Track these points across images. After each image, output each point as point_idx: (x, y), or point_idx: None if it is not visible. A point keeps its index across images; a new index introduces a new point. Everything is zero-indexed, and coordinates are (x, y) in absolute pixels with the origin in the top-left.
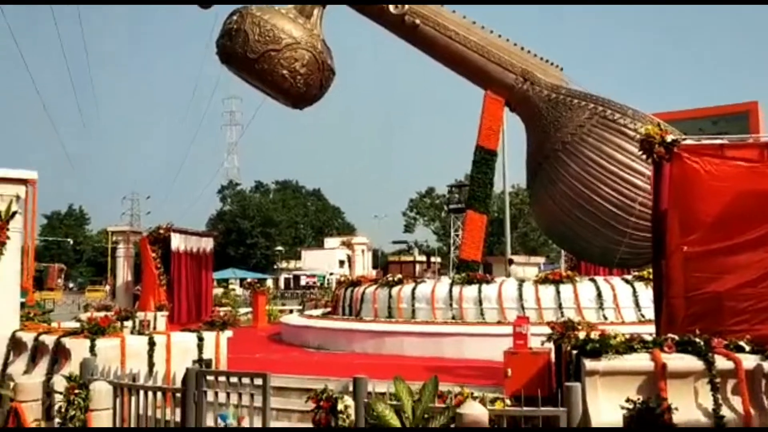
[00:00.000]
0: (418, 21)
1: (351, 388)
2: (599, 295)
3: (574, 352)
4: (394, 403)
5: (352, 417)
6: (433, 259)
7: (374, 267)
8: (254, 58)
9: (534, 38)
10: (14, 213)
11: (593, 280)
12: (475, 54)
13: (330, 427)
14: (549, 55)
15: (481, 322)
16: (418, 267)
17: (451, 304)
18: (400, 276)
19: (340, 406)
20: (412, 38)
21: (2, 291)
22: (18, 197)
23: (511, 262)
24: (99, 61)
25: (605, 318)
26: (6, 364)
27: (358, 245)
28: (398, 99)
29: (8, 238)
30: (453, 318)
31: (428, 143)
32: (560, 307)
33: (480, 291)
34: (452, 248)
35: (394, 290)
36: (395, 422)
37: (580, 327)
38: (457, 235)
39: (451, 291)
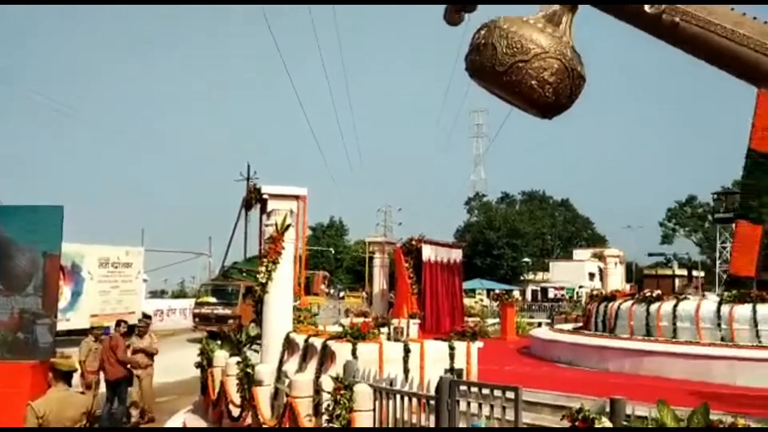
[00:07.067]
0: (677, 19)
1: (608, 409)
2: None
3: None
4: (657, 428)
5: None
6: (694, 273)
7: (628, 280)
8: (502, 71)
9: None
10: (288, 226)
11: None
12: (746, 48)
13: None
14: None
15: (758, 346)
16: (677, 282)
17: (719, 324)
18: (659, 292)
19: (597, 427)
20: (672, 37)
21: (279, 296)
22: (291, 211)
23: None
24: (353, 77)
25: None
26: (281, 362)
27: (611, 257)
28: (650, 104)
29: (283, 248)
30: (722, 339)
31: (687, 148)
32: None
33: (755, 311)
34: (718, 262)
35: (653, 307)
36: None
37: None
38: (724, 248)
39: (719, 310)
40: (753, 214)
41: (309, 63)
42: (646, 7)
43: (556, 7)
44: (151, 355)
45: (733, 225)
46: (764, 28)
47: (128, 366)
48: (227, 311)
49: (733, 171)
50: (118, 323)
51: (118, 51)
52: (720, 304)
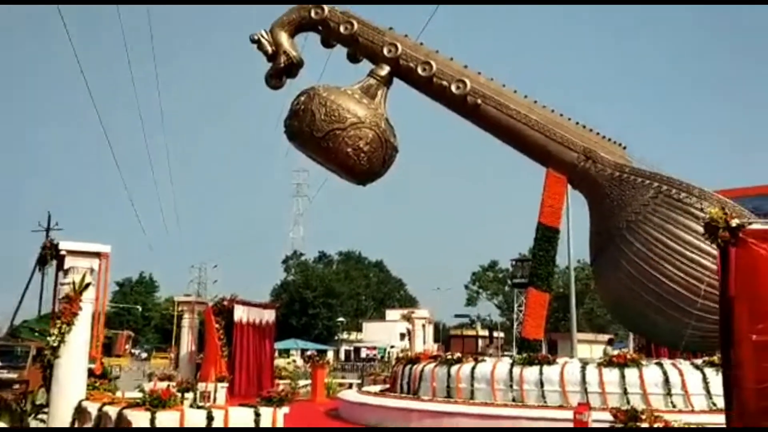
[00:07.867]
0: (479, 101)
1: None
2: (666, 380)
3: None
4: None
5: None
6: (495, 333)
7: (435, 340)
8: (320, 137)
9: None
10: (87, 285)
11: (660, 364)
12: (537, 133)
13: None
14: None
15: (543, 406)
16: (480, 342)
17: (511, 386)
18: (459, 354)
19: None
20: (474, 117)
21: (71, 360)
22: (92, 270)
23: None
24: (172, 131)
25: (673, 405)
26: None
27: (419, 319)
28: (461, 171)
29: (80, 309)
30: (513, 400)
31: (491, 216)
32: (625, 392)
33: (541, 372)
34: (515, 323)
35: (453, 369)
36: None
37: (643, 416)
38: (521, 310)
39: (511, 371)
40: (541, 283)
41: (125, 110)
42: (453, 88)
43: (372, 80)
44: None
45: (526, 291)
46: (551, 116)
47: None
48: (12, 375)
49: (531, 240)
50: None
51: None
52: (512, 366)
